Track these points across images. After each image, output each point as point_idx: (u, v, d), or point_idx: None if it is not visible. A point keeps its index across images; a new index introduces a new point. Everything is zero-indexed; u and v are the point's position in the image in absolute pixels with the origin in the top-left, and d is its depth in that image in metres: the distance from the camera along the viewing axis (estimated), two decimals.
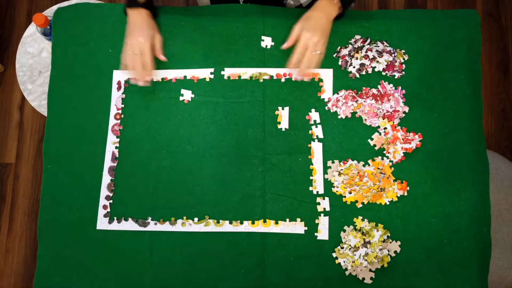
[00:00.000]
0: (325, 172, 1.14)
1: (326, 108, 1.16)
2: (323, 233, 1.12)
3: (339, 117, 1.16)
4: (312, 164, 1.15)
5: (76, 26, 1.18)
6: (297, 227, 1.12)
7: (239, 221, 1.12)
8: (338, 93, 1.16)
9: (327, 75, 1.17)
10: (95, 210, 1.13)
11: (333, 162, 1.14)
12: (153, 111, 1.16)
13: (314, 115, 1.16)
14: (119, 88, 1.17)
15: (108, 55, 1.17)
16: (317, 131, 1.15)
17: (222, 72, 1.17)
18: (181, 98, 1.16)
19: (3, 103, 1.90)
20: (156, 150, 1.15)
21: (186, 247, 1.12)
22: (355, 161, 1.14)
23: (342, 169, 1.13)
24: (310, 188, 1.14)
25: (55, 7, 1.30)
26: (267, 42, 1.18)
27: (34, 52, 1.49)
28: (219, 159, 1.15)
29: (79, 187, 1.13)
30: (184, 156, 1.15)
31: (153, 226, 1.12)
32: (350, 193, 1.12)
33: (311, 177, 1.14)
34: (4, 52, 1.92)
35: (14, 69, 1.53)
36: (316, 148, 1.15)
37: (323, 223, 1.12)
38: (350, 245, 1.12)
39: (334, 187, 1.13)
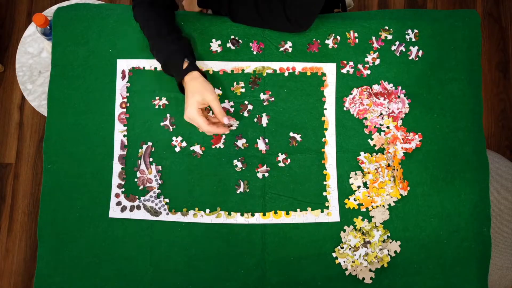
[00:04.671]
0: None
1: (345, 108, 1.16)
2: (334, 215, 1.13)
3: (351, 112, 1.16)
4: (326, 169, 1.15)
5: (76, 26, 1.18)
6: (308, 216, 1.13)
7: (250, 213, 1.13)
8: (351, 93, 1.17)
9: (330, 69, 1.18)
10: (95, 209, 1.13)
11: (356, 174, 1.14)
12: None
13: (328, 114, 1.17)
14: (123, 77, 1.17)
15: (108, 55, 1.17)
16: (330, 138, 1.16)
17: (226, 65, 1.17)
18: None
19: (3, 103, 1.90)
20: (161, 143, 1.15)
21: (186, 247, 1.12)
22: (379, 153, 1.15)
23: (368, 168, 1.13)
24: (324, 194, 1.14)
25: (55, 7, 1.30)
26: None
27: (34, 52, 1.49)
28: (219, 159, 1.15)
29: (79, 187, 1.13)
30: (184, 155, 1.15)
31: (164, 216, 1.12)
32: (369, 197, 1.13)
33: (324, 182, 1.14)
34: (4, 52, 1.92)
35: (14, 69, 1.53)
36: (330, 153, 1.15)
37: (333, 205, 1.13)
38: (350, 245, 1.12)
39: (354, 193, 1.14)
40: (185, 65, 1.04)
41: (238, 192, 1.14)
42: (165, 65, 1.07)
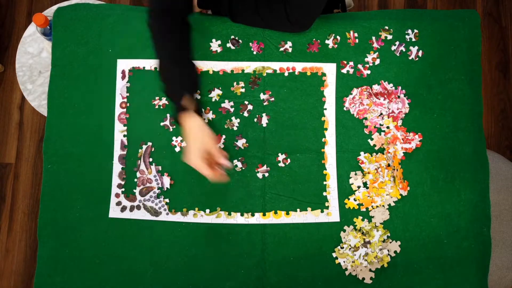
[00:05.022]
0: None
1: (345, 108, 1.16)
2: (334, 215, 1.13)
3: (351, 112, 1.16)
4: (326, 169, 1.15)
5: (76, 26, 1.18)
6: (308, 216, 1.12)
7: (250, 213, 1.13)
8: (351, 93, 1.17)
9: (330, 70, 1.17)
10: (95, 209, 1.13)
11: (356, 174, 1.14)
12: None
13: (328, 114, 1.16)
14: (123, 77, 1.17)
15: (108, 55, 1.17)
16: (330, 138, 1.16)
17: (226, 65, 1.17)
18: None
19: (3, 103, 1.90)
20: (161, 143, 1.15)
21: (186, 247, 1.12)
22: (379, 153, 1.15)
23: (368, 167, 1.12)
24: (324, 194, 1.14)
25: (55, 7, 1.29)
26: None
27: (34, 52, 1.49)
28: None
29: (79, 187, 1.13)
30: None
31: (164, 216, 1.12)
32: (369, 197, 1.13)
33: (324, 182, 1.14)
34: (4, 52, 1.92)
35: (14, 69, 1.53)
36: (330, 153, 1.15)
37: (333, 205, 1.13)
38: (350, 245, 1.12)
39: (354, 193, 1.14)
40: (184, 101, 1.02)
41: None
42: (165, 92, 1.06)
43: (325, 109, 1.17)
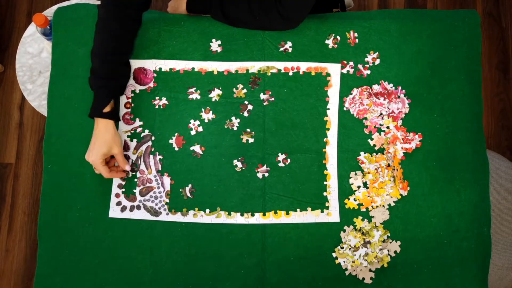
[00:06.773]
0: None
1: (345, 108, 1.16)
2: (334, 216, 1.13)
3: (351, 112, 1.16)
4: (327, 169, 1.15)
5: (76, 26, 1.18)
6: (308, 216, 1.12)
7: (250, 213, 1.13)
8: (351, 93, 1.17)
9: (334, 70, 1.18)
10: (95, 209, 1.13)
11: (356, 174, 1.14)
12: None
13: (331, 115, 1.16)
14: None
15: None
16: (332, 139, 1.15)
17: (230, 66, 1.17)
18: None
19: (3, 103, 1.90)
20: (161, 142, 1.15)
21: (186, 247, 1.12)
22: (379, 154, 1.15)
23: (369, 167, 1.12)
24: (324, 194, 1.14)
25: (55, 7, 1.29)
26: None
27: (34, 52, 1.49)
28: (219, 159, 1.15)
29: (79, 187, 1.13)
30: (184, 155, 1.15)
31: (164, 216, 1.12)
32: (369, 197, 1.13)
33: (325, 182, 1.14)
34: (4, 52, 1.92)
35: (14, 69, 1.53)
36: (331, 153, 1.15)
37: (333, 205, 1.13)
38: (350, 245, 1.12)
39: (354, 193, 1.14)
40: (107, 108, 1.07)
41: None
42: (91, 85, 1.10)
43: (328, 109, 1.17)
